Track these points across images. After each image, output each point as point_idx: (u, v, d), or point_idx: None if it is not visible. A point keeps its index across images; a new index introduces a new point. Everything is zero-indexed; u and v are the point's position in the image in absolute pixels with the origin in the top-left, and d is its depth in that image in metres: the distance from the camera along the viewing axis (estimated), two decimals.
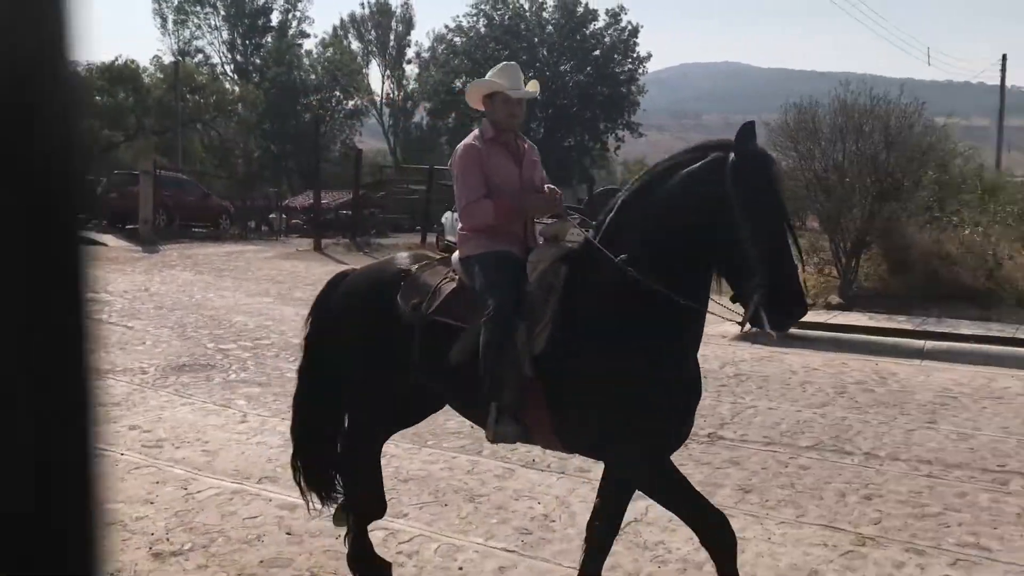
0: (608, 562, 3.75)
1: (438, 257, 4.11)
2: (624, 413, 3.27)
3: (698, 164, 3.22)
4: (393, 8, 59.46)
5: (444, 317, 3.66)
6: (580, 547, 3.76)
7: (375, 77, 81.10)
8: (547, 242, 3.79)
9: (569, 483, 5.45)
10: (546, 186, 3.88)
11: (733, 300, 3.24)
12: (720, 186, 3.10)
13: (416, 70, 58.57)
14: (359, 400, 4.07)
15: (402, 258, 4.10)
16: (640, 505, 4.37)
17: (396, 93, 59.34)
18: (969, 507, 5.20)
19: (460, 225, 3.85)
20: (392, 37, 59.31)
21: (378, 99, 57.96)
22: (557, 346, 3.35)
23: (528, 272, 3.57)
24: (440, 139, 49.89)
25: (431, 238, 23.53)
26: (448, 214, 20.72)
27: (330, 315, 4.11)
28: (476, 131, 3.95)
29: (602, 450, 3.49)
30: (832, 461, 6.07)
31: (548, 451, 4.41)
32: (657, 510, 4.17)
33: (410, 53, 59.47)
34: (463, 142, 3.88)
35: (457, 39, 47.73)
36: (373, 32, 59.26)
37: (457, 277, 3.78)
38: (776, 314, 3.08)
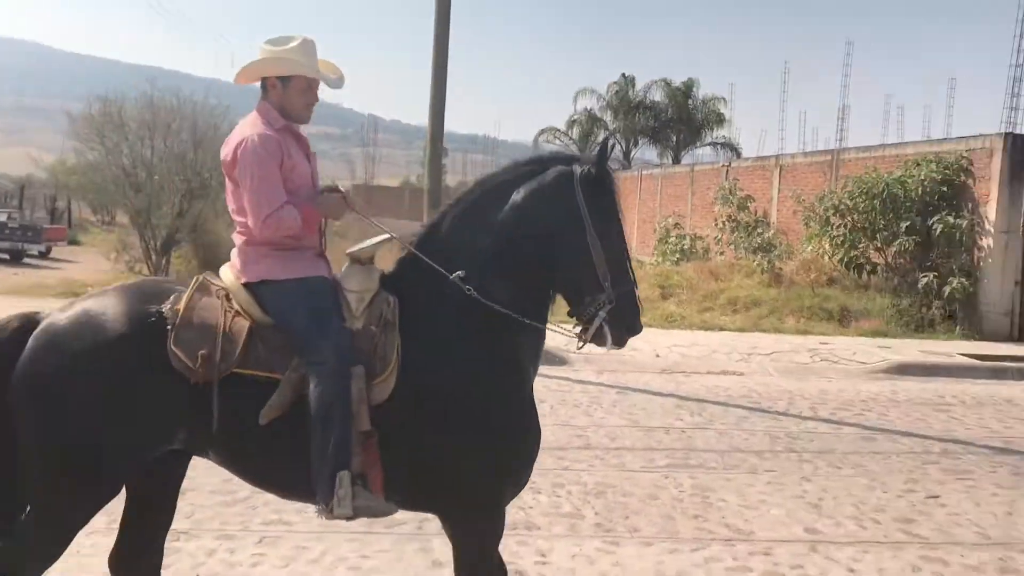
0: None
1: (192, 286, 3.09)
2: (491, 451, 2.99)
3: (545, 178, 3.09)
4: None
5: (250, 368, 2.90)
6: None
7: None
8: (355, 263, 3.15)
9: None
10: (335, 183, 3.30)
11: (572, 316, 3.15)
12: (571, 200, 3.02)
13: None
14: (69, 498, 2.91)
15: (134, 291, 3.06)
16: None
17: None
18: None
19: (242, 240, 3.11)
20: None
21: None
22: (402, 390, 2.94)
23: (352, 304, 3.03)
24: None
25: None
26: None
27: (36, 386, 2.88)
28: (259, 118, 3.15)
29: (449, 502, 3.07)
30: None
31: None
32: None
33: None
34: (250, 132, 3.07)
35: None
36: None
37: (242, 311, 3.01)
38: (619, 330, 3.07)
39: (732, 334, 13.64)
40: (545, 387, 8.96)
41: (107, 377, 2.84)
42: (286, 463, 2.95)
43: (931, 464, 7.05)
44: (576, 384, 9.74)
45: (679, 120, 40.52)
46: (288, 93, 3.17)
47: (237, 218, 3.15)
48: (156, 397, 2.87)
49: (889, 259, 15.34)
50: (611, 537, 5.19)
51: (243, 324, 2.97)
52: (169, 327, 2.89)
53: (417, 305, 3.07)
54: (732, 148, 40.53)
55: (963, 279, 13.95)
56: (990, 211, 14.24)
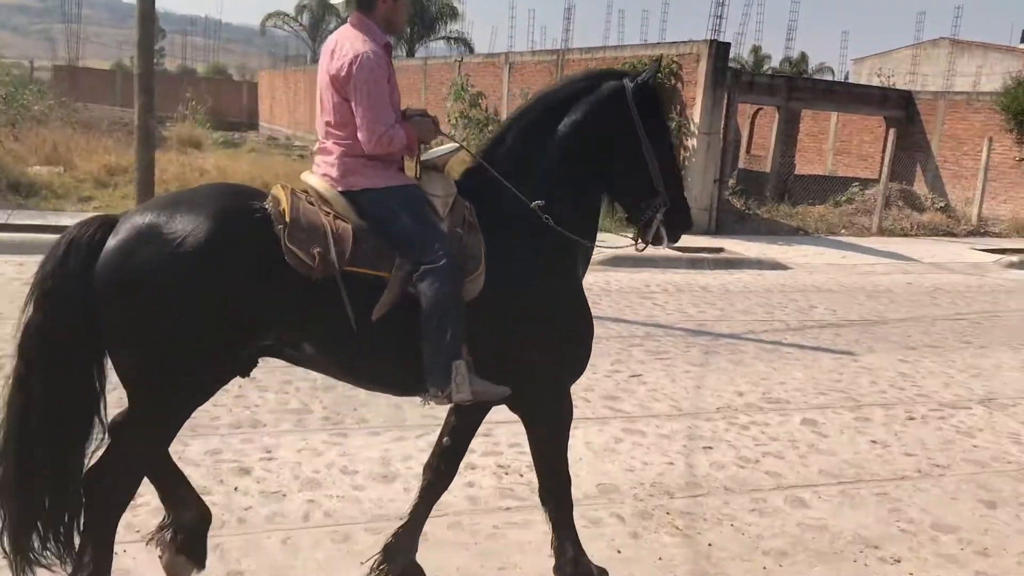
0: None
1: (286, 191, 3.08)
2: (559, 346, 3.31)
3: (600, 93, 3.31)
4: None
5: (358, 267, 3.00)
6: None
7: None
8: (432, 171, 3.28)
9: None
10: (423, 109, 3.40)
11: (629, 222, 3.49)
12: (626, 114, 3.27)
13: None
14: (179, 389, 2.89)
15: (228, 189, 3.12)
16: None
17: None
18: None
19: (340, 151, 3.18)
20: None
21: None
22: (487, 288, 3.14)
23: (439, 208, 3.18)
24: None
25: None
26: None
27: (132, 281, 2.75)
28: (362, 34, 3.19)
29: (524, 388, 3.30)
30: None
31: None
32: None
33: None
34: (363, 48, 3.12)
35: None
36: None
37: (340, 215, 3.11)
38: (674, 229, 3.41)
39: None
40: None
41: (209, 270, 2.77)
42: (392, 357, 3.11)
43: (635, 346, 7.73)
44: None
45: (413, 12, 39.90)
46: (399, 5, 3.28)
47: (335, 131, 3.19)
48: (261, 292, 2.85)
49: None
50: (339, 430, 5.27)
51: (346, 226, 3.05)
52: (280, 226, 2.90)
53: (486, 212, 3.26)
54: (465, 43, 40.69)
55: None
56: (696, 114, 15.44)
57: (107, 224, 2.87)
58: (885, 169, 17.62)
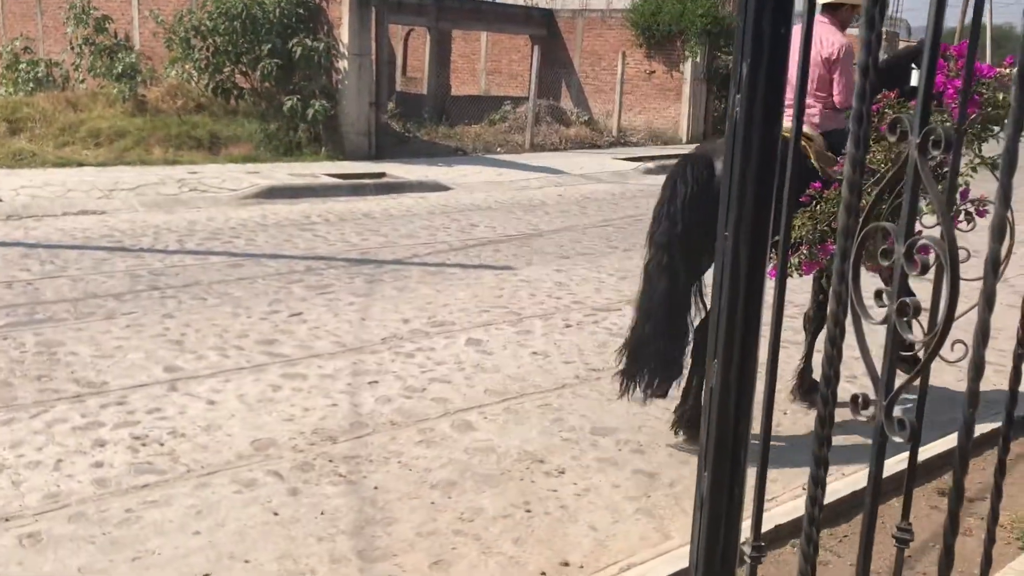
0: None
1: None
2: None
3: None
4: None
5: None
6: None
7: None
8: None
9: None
10: None
11: None
12: None
13: None
14: None
15: None
16: None
17: None
18: None
19: (820, 106, 4.71)
20: None
21: None
22: None
23: None
24: None
25: None
26: None
27: None
28: (835, 30, 4.83)
29: None
30: None
31: None
32: None
33: None
34: (843, 40, 4.77)
35: None
36: None
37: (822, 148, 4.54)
38: None
39: (93, 169, 12.40)
40: None
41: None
42: None
43: (295, 283, 7.26)
44: None
45: None
46: (849, 16, 4.87)
47: (819, 93, 4.71)
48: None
49: (255, 83, 15.24)
50: None
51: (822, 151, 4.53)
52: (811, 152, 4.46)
53: None
54: None
55: (324, 101, 14.48)
56: (344, 34, 14.85)
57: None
58: (533, 87, 18.26)
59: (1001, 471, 1.73)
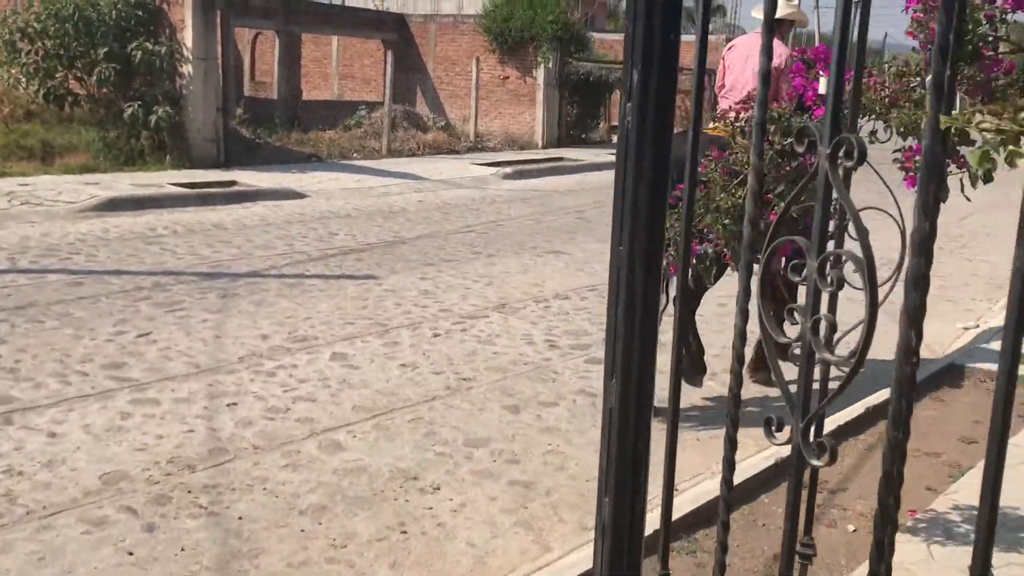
0: None
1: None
2: None
3: None
4: None
5: None
6: None
7: None
8: None
9: None
10: None
11: None
12: None
13: None
14: None
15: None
16: None
17: None
18: None
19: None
20: None
21: None
22: None
23: None
24: None
25: None
26: None
27: None
28: (779, 44, 5.40)
29: None
30: None
31: None
32: None
33: None
34: (785, 52, 5.38)
35: None
36: None
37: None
38: None
39: None
40: None
41: None
42: None
43: (142, 300, 6.83)
44: None
45: None
46: (788, 29, 5.94)
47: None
48: None
49: (92, 89, 14.36)
50: None
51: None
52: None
53: None
54: None
55: (168, 107, 13.79)
56: (187, 37, 14.20)
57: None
58: (387, 92, 18.03)
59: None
